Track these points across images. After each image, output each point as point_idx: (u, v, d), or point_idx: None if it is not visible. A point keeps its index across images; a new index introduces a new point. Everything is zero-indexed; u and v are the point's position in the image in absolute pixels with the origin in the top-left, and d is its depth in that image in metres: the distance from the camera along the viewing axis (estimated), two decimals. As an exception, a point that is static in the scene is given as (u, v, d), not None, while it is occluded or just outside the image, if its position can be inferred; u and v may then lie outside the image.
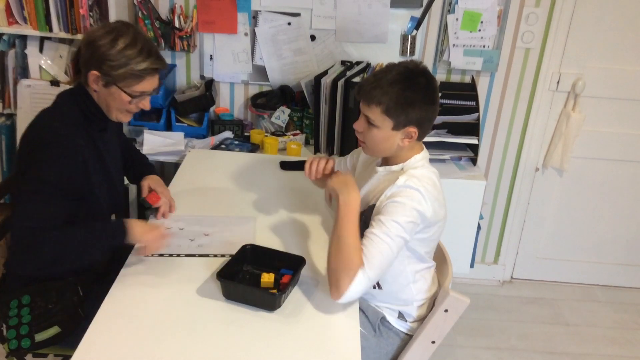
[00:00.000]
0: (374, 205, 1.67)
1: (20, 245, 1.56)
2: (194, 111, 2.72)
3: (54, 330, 1.69)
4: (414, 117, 1.62)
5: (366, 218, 1.72)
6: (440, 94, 2.60)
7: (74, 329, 1.71)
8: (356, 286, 1.53)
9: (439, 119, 2.57)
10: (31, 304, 1.70)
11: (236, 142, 2.63)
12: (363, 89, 1.65)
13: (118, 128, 2.02)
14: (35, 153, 1.63)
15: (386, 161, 1.76)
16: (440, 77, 2.80)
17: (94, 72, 1.65)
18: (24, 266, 1.59)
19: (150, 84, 1.70)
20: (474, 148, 2.62)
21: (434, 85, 1.65)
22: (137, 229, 1.68)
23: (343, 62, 2.72)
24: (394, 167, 1.73)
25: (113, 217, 2.23)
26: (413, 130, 1.64)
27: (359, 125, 1.70)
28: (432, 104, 1.65)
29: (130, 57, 1.63)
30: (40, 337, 1.68)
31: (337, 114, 2.51)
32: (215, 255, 1.78)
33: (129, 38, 1.63)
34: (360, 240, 1.58)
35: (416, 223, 1.61)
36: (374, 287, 1.79)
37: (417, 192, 1.60)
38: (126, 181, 2.56)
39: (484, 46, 2.68)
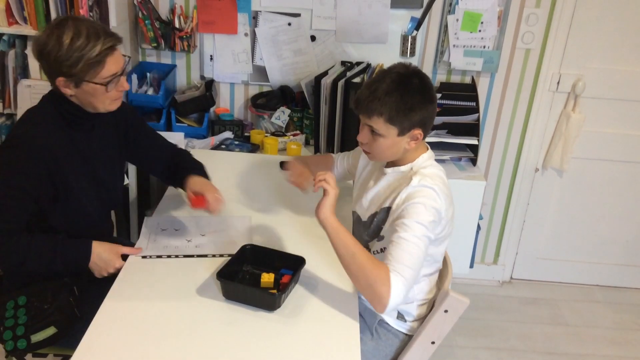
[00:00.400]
0: (388, 208, 1.68)
1: None
2: (194, 111, 2.72)
3: (50, 331, 1.69)
4: (416, 119, 1.63)
5: (379, 220, 1.72)
6: (440, 95, 2.63)
7: (71, 329, 1.71)
8: (396, 290, 1.51)
9: (439, 119, 2.57)
10: (27, 304, 1.70)
11: (236, 143, 2.63)
12: (361, 103, 1.64)
13: (125, 124, 1.92)
14: (1, 155, 1.66)
15: (393, 162, 1.76)
16: (440, 77, 2.80)
17: (60, 79, 1.62)
18: None
19: (114, 64, 1.65)
20: (474, 148, 2.62)
21: (428, 83, 1.66)
22: (93, 259, 1.71)
23: (343, 63, 2.72)
24: (403, 168, 1.73)
25: (113, 214, 2.21)
26: (418, 132, 1.65)
27: (363, 137, 1.69)
28: (431, 103, 1.66)
29: (81, 47, 1.58)
30: (36, 337, 1.68)
31: (337, 115, 2.51)
32: (213, 256, 1.78)
33: (71, 30, 1.58)
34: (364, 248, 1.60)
35: (436, 221, 1.62)
36: None
37: (432, 191, 1.61)
38: (126, 181, 2.57)
39: (484, 47, 2.68)
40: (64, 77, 1.62)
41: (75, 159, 1.74)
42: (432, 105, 1.66)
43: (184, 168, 1.97)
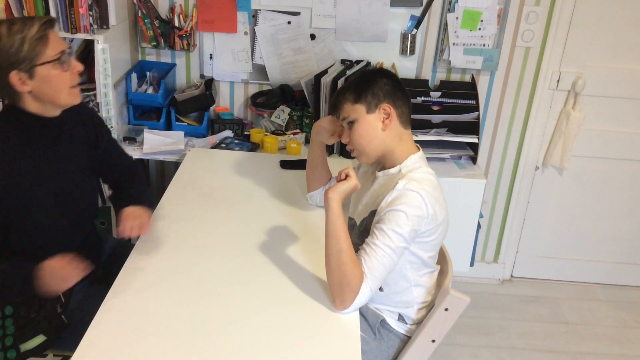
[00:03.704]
0: (375, 211, 1.67)
1: None
2: (194, 110, 2.72)
3: (39, 339, 1.66)
4: (380, 92, 1.69)
5: (367, 224, 1.71)
6: (440, 93, 2.63)
7: (60, 336, 1.69)
8: (360, 298, 1.55)
9: (439, 118, 2.57)
10: (14, 314, 1.66)
11: (236, 141, 2.63)
12: (331, 104, 1.81)
13: (95, 133, 1.84)
14: None
15: (384, 165, 1.77)
16: (440, 75, 2.80)
17: (12, 75, 1.55)
18: None
19: (56, 41, 1.58)
20: (474, 147, 2.61)
21: (385, 69, 1.80)
22: (43, 280, 1.54)
23: (343, 61, 2.72)
24: (392, 170, 1.73)
25: (112, 214, 2.17)
26: (387, 106, 1.68)
27: (344, 137, 1.76)
28: (389, 77, 1.73)
29: (20, 30, 1.53)
30: (26, 346, 1.65)
31: (337, 113, 2.51)
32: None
33: (3, 23, 1.54)
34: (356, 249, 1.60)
35: (417, 230, 1.62)
36: None
37: (417, 195, 1.59)
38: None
39: (484, 45, 2.68)
40: (15, 69, 1.54)
41: (35, 176, 1.66)
42: (392, 80, 1.72)
43: (127, 197, 1.86)
